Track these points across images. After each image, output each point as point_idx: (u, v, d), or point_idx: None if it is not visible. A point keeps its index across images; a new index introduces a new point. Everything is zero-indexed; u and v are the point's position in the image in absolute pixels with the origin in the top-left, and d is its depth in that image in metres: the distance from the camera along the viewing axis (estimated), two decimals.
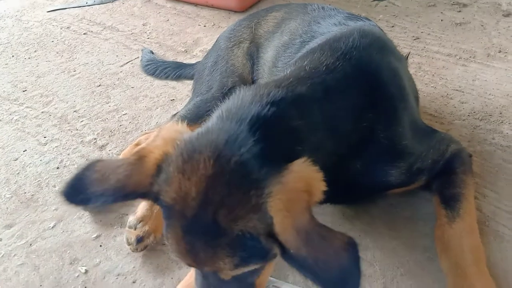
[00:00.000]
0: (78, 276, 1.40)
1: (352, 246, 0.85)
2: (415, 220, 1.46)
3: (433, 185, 1.42)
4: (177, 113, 1.82)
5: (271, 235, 0.86)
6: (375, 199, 1.54)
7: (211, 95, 1.79)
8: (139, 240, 1.41)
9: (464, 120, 1.91)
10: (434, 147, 1.42)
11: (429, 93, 2.08)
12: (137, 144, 1.79)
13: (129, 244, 1.42)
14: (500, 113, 1.93)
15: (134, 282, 1.37)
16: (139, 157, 0.97)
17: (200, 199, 0.87)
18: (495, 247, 1.37)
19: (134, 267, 1.41)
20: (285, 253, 0.84)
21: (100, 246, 1.49)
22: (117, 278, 1.39)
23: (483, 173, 1.64)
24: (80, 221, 1.58)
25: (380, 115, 1.23)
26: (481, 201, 1.52)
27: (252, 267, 0.94)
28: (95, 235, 1.52)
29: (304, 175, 0.91)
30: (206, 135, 0.95)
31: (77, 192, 0.94)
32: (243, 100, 1.01)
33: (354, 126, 1.19)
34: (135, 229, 1.43)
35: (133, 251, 1.43)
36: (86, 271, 1.41)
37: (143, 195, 0.96)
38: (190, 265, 0.97)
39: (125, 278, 1.39)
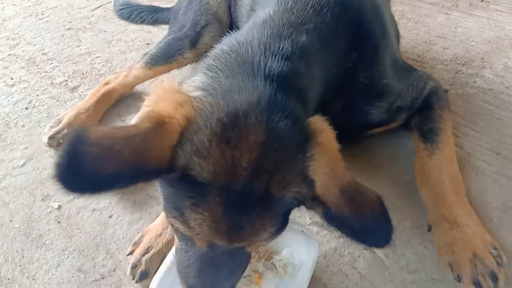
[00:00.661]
0: (50, 211, 1.34)
1: (381, 200, 0.86)
2: (396, 157, 1.45)
3: (412, 122, 1.43)
4: (148, 52, 1.73)
5: (314, 199, 0.83)
6: (357, 139, 1.52)
7: (183, 33, 1.71)
8: None
9: (446, 65, 1.89)
10: (413, 85, 1.41)
11: (412, 39, 2.06)
12: (106, 83, 1.71)
13: None
14: (482, 59, 1.92)
15: (110, 217, 1.32)
16: (156, 124, 0.76)
17: (252, 169, 0.77)
18: (476, 181, 1.37)
19: (110, 203, 1.36)
20: (326, 213, 0.82)
21: None
22: (92, 213, 1.33)
23: (464, 114, 1.63)
24: (51, 159, 1.51)
25: (363, 54, 1.20)
26: (462, 139, 1.52)
27: (274, 238, 0.88)
28: None
29: (331, 133, 0.87)
30: (231, 94, 0.82)
31: (78, 174, 0.69)
32: (253, 53, 0.91)
33: (341, 69, 1.15)
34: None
35: None
36: (59, 207, 1.35)
37: (167, 172, 0.77)
38: (221, 244, 0.83)
39: (101, 213, 1.33)
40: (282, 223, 0.86)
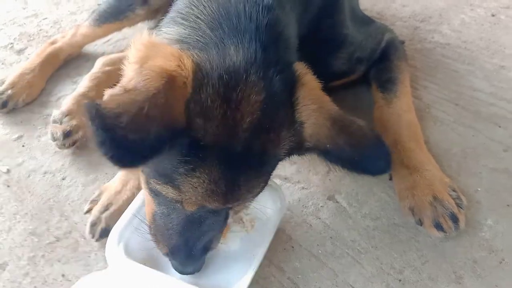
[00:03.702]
0: None
1: (370, 126, 0.87)
2: (358, 109, 1.43)
3: (370, 73, 1.43)
4: (96, 9, 1.63)
5: (301, 145, 0.83)
6: None
7: None
8: (67, 134, 1.28)
9: (405, 21, 1.89)
10: (371, 36, 1.41)
11: None
12: (52, 43, 1.61)
13: (54, 140, 1.28)
14: (440, 15, 1.93)
15: (63, 179, 1.26)
16: (168, 79, 0.70)
17: (253, 129, 0.76)
18: (435, 130, 1.38)
19: (62, 165, 1.29)
20: (321, 152, 0.83)
21: (23, 146, 1.35)
22: (44, 176, 1.26)
23: (423, 67, 1.64)
24: None
25: (325, 3, 1.18)
26: (421, 92, 1.53)
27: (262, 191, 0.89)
28: (16, 136, 1.37)
29: (311, 74, 0.86)
30: (226, 50, 0.78)
31: (125, 146, 0.63)
32: (236, 3, 0.84)
33: (307, 18, 1.11)
34: (61, 123, 1.30)
35: (60, 148, 1.30)
36: (8, 171, 1.27)
37: (182, 135, 0.72)
38: (212, 206, 0.82)
39: (53, 175, 1.26)
40: (267, 181, 0.87)
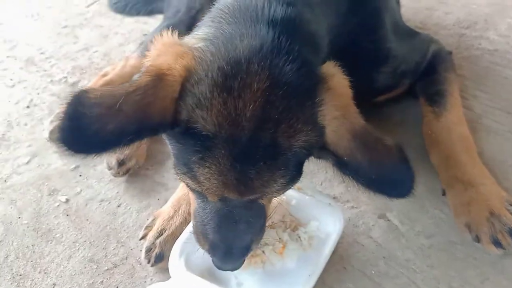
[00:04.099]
0: (58, 205, 1.32)
1: (400, 147, 0.83)
2: (405, 123, 1.42)
3: (417, 87, 1.40)
4: (144, 40, 1.70)
5: (322, 147, 0.81)
6: (363, 108, 1.49)
7: (178, 19, 1.68)
8: (121, 163, 1.33)
9: (449, 29, 1.85)
10: (416, 48, 1.39)
11: (413, 7, 2.01)
12: (104, 75, 1.69)
13: (110, 168, 1.34)
14: (485, 20, 1.87)
15: (118, 206, 1.30)
16: (156, 77, 0.74)
17: (257, 118, 0.74)
18: (489, 142, 1.33)
19: (117, 193, 1.34)
20: (338, 162, 0.80)
21: (80, 176, 1.41)
22: (100, 204, 1.32)
23: (472, 76, 1.59)
24: (56, 154, 1.49)
25: (364, 18, 1.17)
26: (472, 102, 1.48)
27: (288, 189, 0.87)
28: (73, 166, 1.44)
29: (344, 78, 0.84)
30: (232, 41, 0.79)
31: (81, 136, 0.69)
32: (256, 2, 0.86)
33: (344, 31, 1.11)
34: (115, 153, 1.35)
35: (115, 176, 1.35)
36: (67, 200, 1.33)
37: (171, 126, 0.76)
38: (229, 197, 0.83)
39: (109, 203, 1.32)
40: (294, 174, 0.83)
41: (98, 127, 0.68)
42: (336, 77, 0.83)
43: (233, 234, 0.89)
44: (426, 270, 1.07)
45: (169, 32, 0.85)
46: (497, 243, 1.04)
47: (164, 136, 0.86)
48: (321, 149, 0.81)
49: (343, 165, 0.80)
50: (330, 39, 1.00)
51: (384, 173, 0.80)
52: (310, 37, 0.89)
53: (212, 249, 0.92)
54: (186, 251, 1.04)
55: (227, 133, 0.74)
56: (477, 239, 1.07)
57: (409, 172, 0.81)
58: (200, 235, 0.94)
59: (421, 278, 1.05)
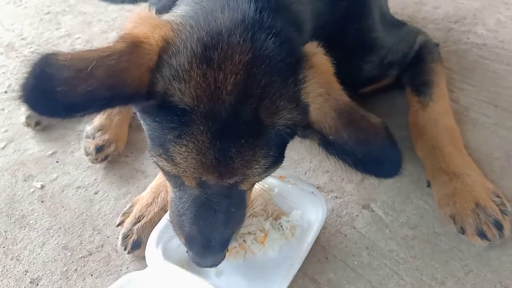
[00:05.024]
0: (33, 191, 1.28)
1: (386, 125, 0.79)
2: (391, 115, 1.39)
3: (404, 77, 1.38)
4: None
5: (306, 126, 0.77)
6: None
7: (162, 5, 1.62)
8: (99, 149, 1.29)
9: (438, 24, 1.84)
10: (403, 39, 1.37)
11: (401, 0, 1.99)
12: None
13: (87, 154, 1.30)
14: (474, 15, 1.86)
15: (96, 193, 1.26)
16: (132, 44, 0.70)
17: (238, 92, 0.71)
18: (475, 134, 1.32)
19: (95, 179, 1.30)
20: (323, 141, 0.77)
21: (57, 162, 1.36)
22: (77, 190, 1.27)
23: (459, 69, 1.58)
24: (33, 140, 1.45)
25: (352, 5, 1.15)
26: (458, 94, 1.47)
27: (270, 173, 0.82)
28: (50, 152, 1.39)
29: (324, 56, 0.82)
30: (213, 14, 0.76)
31: (47, 97, 0.64)
32: None
33: (329, 18, 1.09)
34: (93, 138, 1.31)
35: (92, 162, 1.31)
36: (42, 186, 1.29)
37: (146, 98, 0.71)
38: (207, 181, 0.78)
39: (86, 190, 1.27)
40: (276, 156, 0.79)
41: (66, 89, 0.64)
42: (318, 55, 0.81)
43: (211, 226, 0.84)
44: (410, 261, 1.04)
45: (146, 7, 0.81)
46: (482, 235, 1.02)
47: (139, 116, 0.82)
48: (306, 128, 0.78)
49: (329, 145, 0.77)
50: (315, 25, 0.98)
51: (371, 152, 0.77)
52: (292, 17, 0.86)
53: (189, 243, 0.87)
54: (164, 239, 1.01)
55: (206, 107, 0.70)
56: (462, 231, 1.05)
57: (396, 151, 0.78)
58: (177, 227, 0.90)
59: (404, 269, 1.03)
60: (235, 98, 0.71)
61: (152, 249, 0.99)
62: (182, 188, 0.84)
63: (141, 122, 0.82)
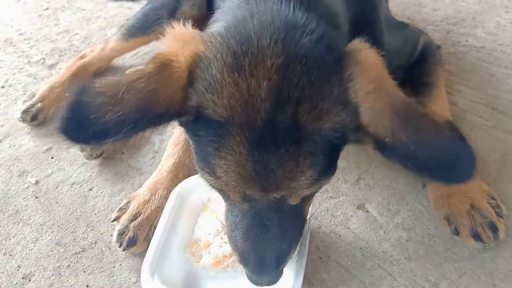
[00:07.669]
0: (28, 187, 1.27)
1: (452, 124, 0.70)
2: None
3: (404, 77, 1.36)
4: (125, 23, 1.65)
5: (358, 129, 0.69)
6: None
7: (161, 3, 1.62)
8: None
9: (437, 25, 1.83)
10: (408, 41, 1.36)
11: (401, 2, 1.99)
12: (82, 57, 1.63)
13: (82, 150, 1.29)
14: (473, 18, 1.86)
15: (90, 190, 1.26)
16: (161, 64, 0.69)
17: (274, 98, 0.66)
18: (472, 137, 1.31)
19: (90, 176, 1.30)
20: (379, 145, 0.68)
21: (52, 158, 1.36)
22: (71, 187, 1.27)
23: (457, 71, 1.57)
24: (29, 136, 1.44)
25: (361, 11, 1.13)
26: (456, 97, 1.46)
27: (321, 184, 0.78)
28: (45, 148, 1.39)
29: (373, 50, 0.74)
30: (244, 21, 0.73)
31: (82, 125, 0.64)
32: None
33: (351, 18, 1.07)
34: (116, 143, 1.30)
35: (88, 159, 1.31)
36: (37, 182, 1.28)
37: (178, 114, 0.70)
38: (251, 195, 0.74)
39: (81, 186, 1.27)
40: (326, 165, 0.72)
41: (98, 116, 0.64)
42: (364, 50, 0.73)
43: (264, 242, 0.79)
44: (403, 263, 1.04)
45: (180, 23, 0.78)
46: (476, 237, 1.02)
47: (185, 134, 0.81)
48: (357, 131, 0.70)
49: (386, 148, 0.67)
50: (350, 17, 0.94)
51: (436, 156, 0.67)
52: (329, 12, 0.82)
53: (243, 259, 0.83)
54: (156, 269, 0.96)
55: (240, 117, 0.67)
56: (457, 232, 1.04)
57: (467, 152, 0.67)
58: (232, 242, 0.86)
59: (398, 271, 1.02)
60: (270, 105, 0.66)
61: (148, 281, 0.94)
62: (231, 202, 0.81)
63: (187, 138, 0.80)
